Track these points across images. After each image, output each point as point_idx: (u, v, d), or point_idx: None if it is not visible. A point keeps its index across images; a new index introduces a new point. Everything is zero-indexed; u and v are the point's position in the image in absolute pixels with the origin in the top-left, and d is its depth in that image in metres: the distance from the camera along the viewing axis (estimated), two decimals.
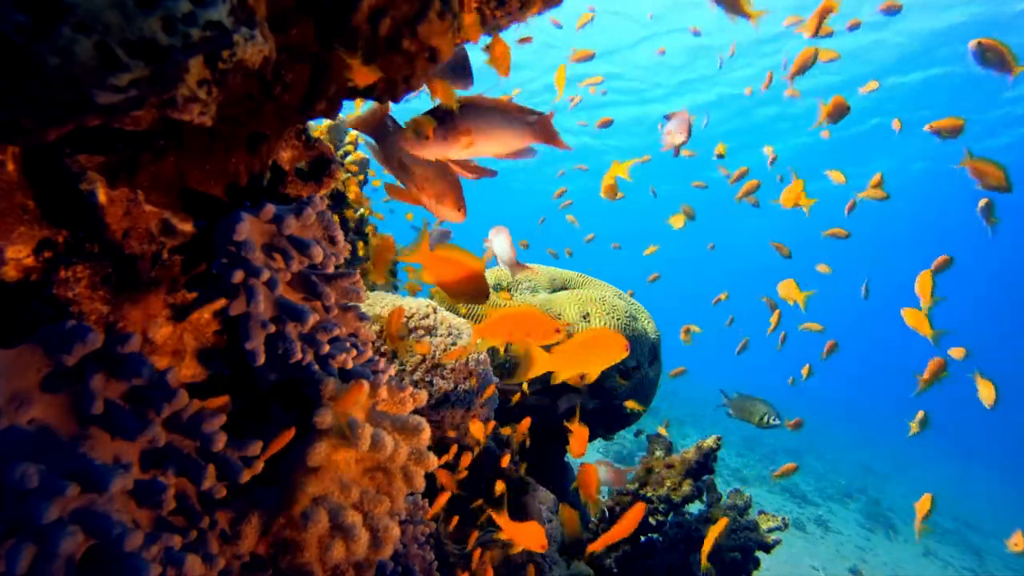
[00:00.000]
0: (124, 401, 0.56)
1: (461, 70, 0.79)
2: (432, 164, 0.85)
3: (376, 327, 1.44)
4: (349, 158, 2.54)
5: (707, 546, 1.76)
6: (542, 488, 1.86)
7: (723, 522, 1.84)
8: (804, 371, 3.88)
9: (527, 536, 1.16)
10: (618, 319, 2.54)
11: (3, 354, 0.50)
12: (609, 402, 2.41)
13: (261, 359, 0.66)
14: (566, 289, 2.78)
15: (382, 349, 1.49)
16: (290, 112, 0.65)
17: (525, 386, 1.99)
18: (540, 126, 0.78)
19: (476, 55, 0.79)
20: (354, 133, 2.61)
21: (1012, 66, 2.00)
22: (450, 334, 1.69)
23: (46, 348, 0.52)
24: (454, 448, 1.48)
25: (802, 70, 2.69)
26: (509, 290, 2.79)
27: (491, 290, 2.66)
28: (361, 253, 2.37)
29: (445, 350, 1.63)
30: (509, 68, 0.81)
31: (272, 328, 0.68)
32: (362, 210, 2.53)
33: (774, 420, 2.59)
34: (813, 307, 2.98)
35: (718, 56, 6.98)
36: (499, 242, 1.92)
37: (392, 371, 0.88)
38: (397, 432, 0.75)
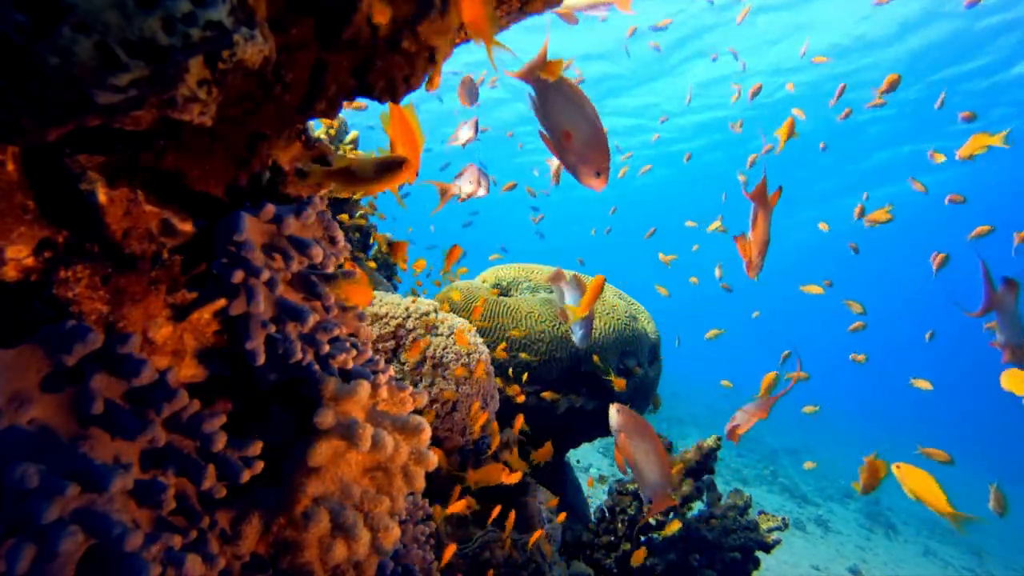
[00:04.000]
0: (124, 401, 0.56)
1: None
2: (586, 128, 0.87)
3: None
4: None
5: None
6: (542, 488, 1.86)
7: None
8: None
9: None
10: (618, 319, 2.53)
11: (3, 354, 0.50)
12: (608, 402, 2.41)
13: (261, 359, 0.66)
14: None
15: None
16: (290, 112, 0.65)
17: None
18: None
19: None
20: (355, 133, 2.61)
21: None
22: (451, 334, 1.69)
23: (46, 348, 0.52)
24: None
25: None
26: (509, 291, 2.79)
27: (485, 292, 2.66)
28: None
29: (445, 348, 1.63)
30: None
31: (272, 328, 0.68)
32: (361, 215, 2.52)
33: None
34: (811, 308, 2.94)
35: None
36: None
37: (392, 371, 0.88)
38: (398, 432, 0.75)
